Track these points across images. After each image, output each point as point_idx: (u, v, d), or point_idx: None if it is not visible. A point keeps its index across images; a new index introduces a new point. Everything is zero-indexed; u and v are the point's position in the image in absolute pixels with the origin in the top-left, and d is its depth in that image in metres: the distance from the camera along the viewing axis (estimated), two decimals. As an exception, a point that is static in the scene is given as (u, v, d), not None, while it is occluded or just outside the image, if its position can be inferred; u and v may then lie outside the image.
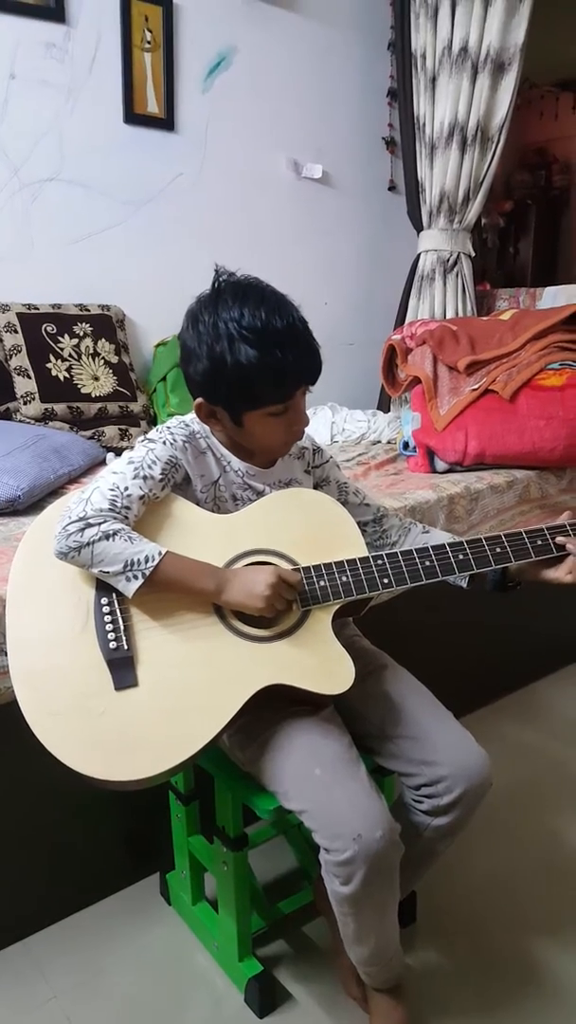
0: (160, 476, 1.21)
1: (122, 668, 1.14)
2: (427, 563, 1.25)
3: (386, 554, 1.24)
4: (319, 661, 1.18)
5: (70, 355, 2.43)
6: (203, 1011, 1.42)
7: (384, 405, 3.17)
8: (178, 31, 2.67)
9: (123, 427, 2.46)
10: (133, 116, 2.62)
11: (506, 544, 1.27)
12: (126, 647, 1.15)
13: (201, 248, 2.79)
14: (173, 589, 1.17)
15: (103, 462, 2.25)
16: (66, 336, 2.44)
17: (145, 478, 1.19)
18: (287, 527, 1.26)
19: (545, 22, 3.01)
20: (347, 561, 1.23)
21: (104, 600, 1.18)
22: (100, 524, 1.13)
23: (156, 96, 2.66)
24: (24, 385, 2.32)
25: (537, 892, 1.67)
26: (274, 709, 1.22)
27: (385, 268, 3.37)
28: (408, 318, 3.20)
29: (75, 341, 2.45)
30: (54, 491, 1.93)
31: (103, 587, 1.18)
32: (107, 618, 1.17)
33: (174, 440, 1.25)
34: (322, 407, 2.87)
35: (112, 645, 1.15)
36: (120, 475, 1.19)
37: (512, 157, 4.54)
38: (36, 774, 1.43)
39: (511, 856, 1.77)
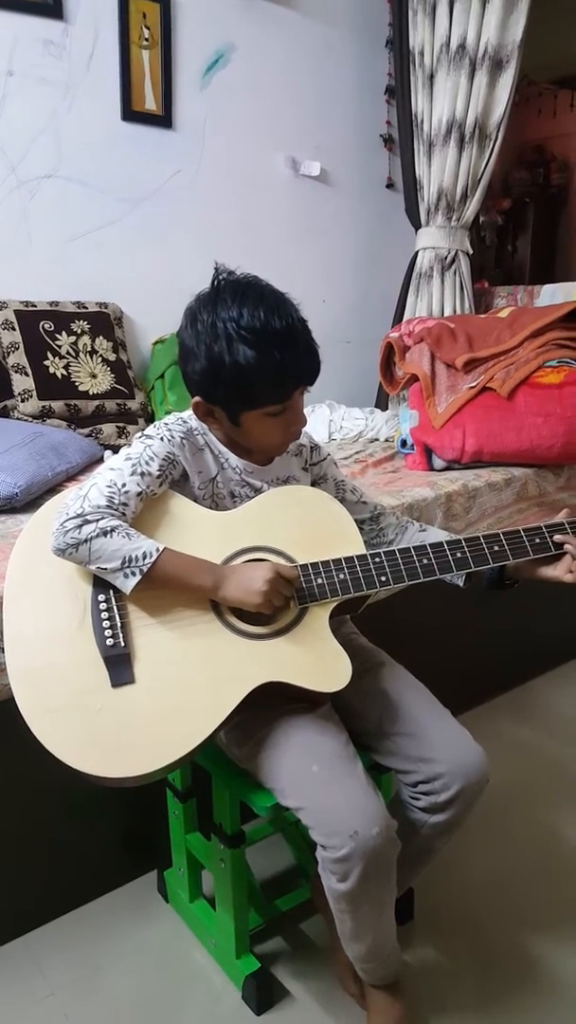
0: (158, 472, 1.21)
1: (119, 665, 1.14)
2: (425, 561, 1.25)
3: (384, 552, 1.24)
4: (316, 658, 1.18)
5: (68, 352, 2.42)
6: (200, 1008, 1.42)
7: (382, 403, 3.16)
8: (176, 28, 2.67)
9: (121, 425, 2.45)
10: (131, 113, 2.62)
11: (504, 542, 1.27)
12: (123, 644, 1.15)
13: (199, 245, 2.79)
14: (171, 586, 1.17)
15: (100, 460, 2.24)
16: (64, 333, 2.43)
17: (143, 474, 1.19)
18: (285, 524, 1.26)
19: (543, 19, 3.00)
20: (345, 559, 1.23)
21: (101, 597, 1.18)
22: (98, 520, 1.13)
23: (154, 93, 2.66)
24: (22, 382, 2.32)
25: (534, 889, 1.68)
26: (271, 706, 1.22)
27: (383, 265, 3.36)
28: (406, 315, 3.19)
29: (73, 338, 2.45)
30: (51, 489, 1.93)
31: (100, 584, 1.18)
32: (104, 615, 1.17)
33: (172, 436, 1.25)
34: (320, 405, 2.87)
35: (109, 642, 1.15)
36: (118, 471, 1.19)
37: (510, 155, 4.53)
38: (34, 771, 1.43)
39: (508, 853, 1.78)
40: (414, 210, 3.17)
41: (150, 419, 2.60)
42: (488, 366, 2.28)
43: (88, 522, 1.13)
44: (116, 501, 1.16)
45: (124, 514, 1.16)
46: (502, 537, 1.27)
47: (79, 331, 2.47)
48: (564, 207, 4.62)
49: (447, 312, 3.15)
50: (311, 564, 1.22)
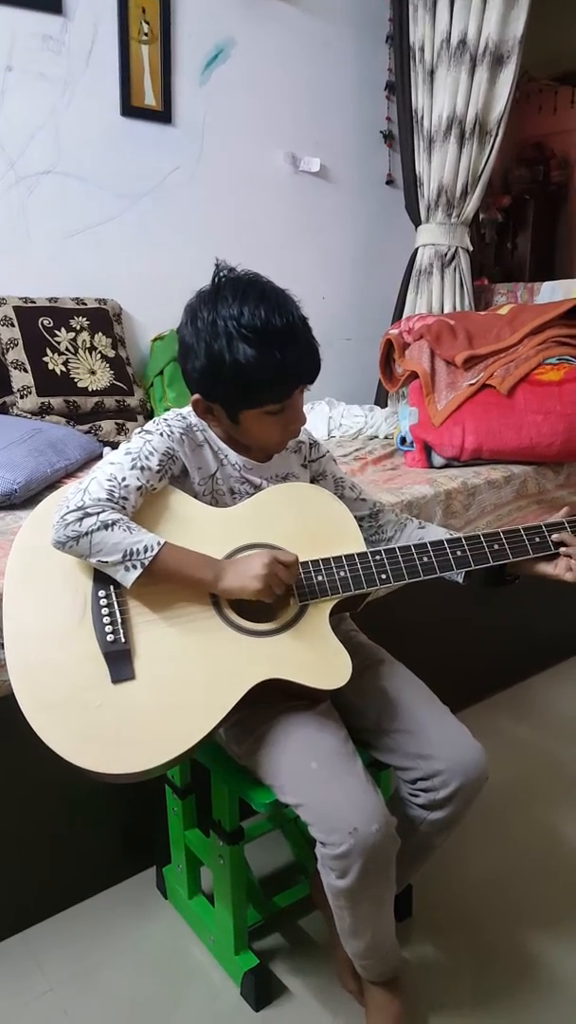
0: (157, 467, 1.21)
1: (119, 661, 1.14)
2: (425, 559, 1.25)
3: (384, 550, 1.24)
4: (316, 656, 1.18)
5: (67, 349, 2.42)
6: (199, 1004, 1.42)
7: (381, 400, 3.16)
8: (175, 23, 2.66)
9: (120, 421, 2.45)
10: (130, 109, 2.61)
11: (504, 541, 1.27)
12: (123, 640, 1.15)
13: (198, 242, 2.79)
14: (171, 580, 1.17)
15: (99, 456, 2.24)
16: (63, 330, 2.43)
17: (143, 469, 1.19)
18: (285, 521, 1.26)
19: (544, 15, 3.00)
20: (345, 556, 1.23)
21: (101, 593, 1.18)
22: (99, 514, 1.13)
23: (153, 89, 2.65)
24: (21, 379, 2.32)
25: (532, 886, 1.68)
26: (271, 703, 1.22)
27: (383, 262, 3.36)
28: (406, 313, 3.19)
29: (72, 335, 2.44)
30: (50, 485, 1.93)
31: (101, 579, 1.18)
32: (104, 611, 1.17)
33: (171, 432, 1.25)
34: (319, 402, 2.87)
35: (109, 638, 1.15)
36: (118, 466, 1.19)
37: (510, 152, 4.52)
38: (33, 767, 1.43)
39: (507, 850, 1.78)
40: (414, 207, 3.17)
41: (149, 416, 2.60)
42: (488, 363, 2.28)
43: (89, 515, 1.13)
44: (116, 495, 1.16)
45: (124, 508, 1.16)
46: (502, 536, 1.27)
47: (78, 327, 2.46)
48: (564, 204, 4.60)
49: (447, 309, 3.14)
50: (311, 561, 1.22)
